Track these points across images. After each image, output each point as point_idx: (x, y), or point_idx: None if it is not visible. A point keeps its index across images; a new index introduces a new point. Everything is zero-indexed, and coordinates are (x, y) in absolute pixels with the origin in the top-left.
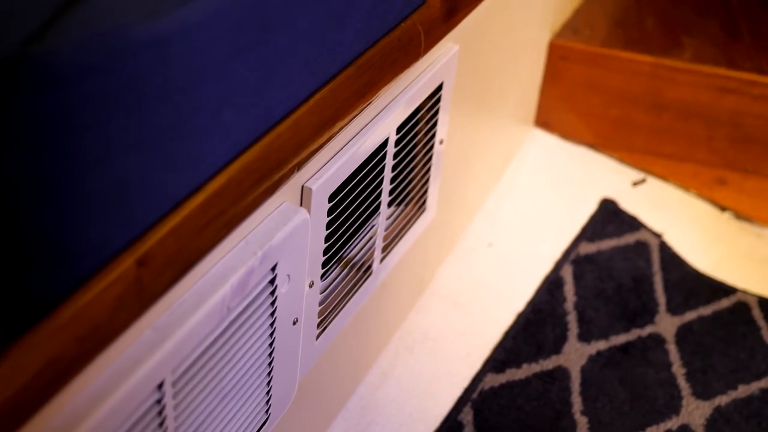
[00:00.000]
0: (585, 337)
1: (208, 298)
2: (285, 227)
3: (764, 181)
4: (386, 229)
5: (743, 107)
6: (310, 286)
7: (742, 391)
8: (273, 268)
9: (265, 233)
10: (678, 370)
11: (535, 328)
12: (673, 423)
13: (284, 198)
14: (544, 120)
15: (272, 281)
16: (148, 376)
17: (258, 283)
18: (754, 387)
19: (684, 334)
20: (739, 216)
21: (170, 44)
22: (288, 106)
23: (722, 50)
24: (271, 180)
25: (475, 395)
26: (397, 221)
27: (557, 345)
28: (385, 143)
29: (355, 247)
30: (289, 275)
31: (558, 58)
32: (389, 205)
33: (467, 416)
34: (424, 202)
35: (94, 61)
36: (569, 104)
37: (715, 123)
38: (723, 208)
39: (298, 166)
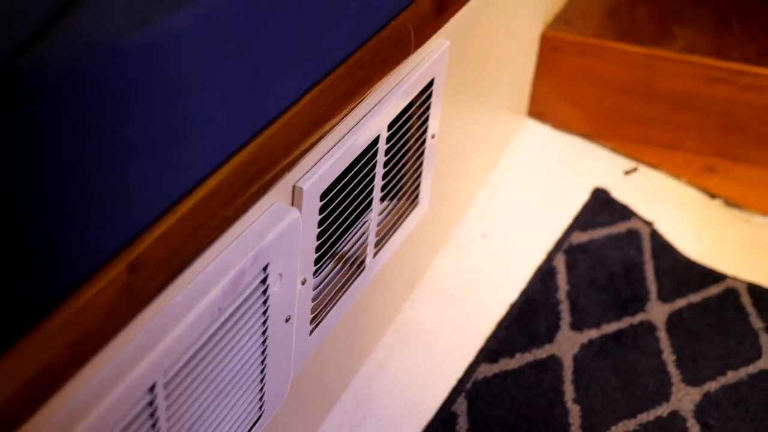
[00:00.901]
0: (577, 325)
1: (199, 299)
2: (276, 227)
3: (753, 169)
4: (379, 224)
5: (733, 96)
6: (303, 284)
7: (731, 377)
8: (265, 268)
9: (257, 234)
10: (668, 357)
11: (528, 318)
12: (664, 409)
13: (276, 198)
14: (538, 110)
15: (264, 281)
16: (139, 379)
17: (250, 284)
18: (743, 373)
19: (674, 321)
20: (729, 203)
21: (161, 51)
22: (279, 108)
23: (712, 40)
24: (262, 181)
25: (468, 385)
26: (389, 216)
27: (550, 334)
28: (376, 140)
29: (347, 242)
30: (281, 274)
31: (550, 49)
32: (381, 200)
33: (461, 406)
34: (417, 196)
35: (86, 70)
36: (562, 95)
37: (705, 112)
38: (713, 196)
39: (289, 167)
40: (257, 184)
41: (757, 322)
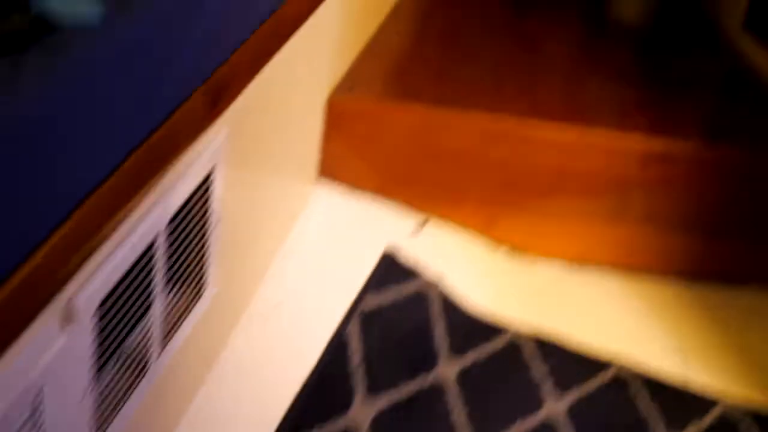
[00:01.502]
0: (373, 390)
1: None
2: (48, 352)
3: (532, 216)
4: (165, 318)
5: (509, 150)
6: (83, 398)
7: (516, 430)
8: (38, 394)
9: (27, 361)
10: (459, 414)
11: (324, 389)
12: None
13: (50, 315)
14: (330, 174)
15: (37, 408)
16: None
17: (20, 415)
18: (528, 425)
19: (464, 378)
20: (513, 250)
21: None
22: (43, 233)
23: (488, 96)
24: (30, 306)
25: None
26: (176, 307)
27: (346, 402)
28: (155, 240)
29: (132, 343)
30: (55, 395)
31: (336, 115)
32: (167, 293)
33: None
34: (205, 281)
35: None
36: (351, 157)
37: (485, 166)
38: (498, 245)
39: (60, 287)
40: (25, 310)
41: (537, 373)
